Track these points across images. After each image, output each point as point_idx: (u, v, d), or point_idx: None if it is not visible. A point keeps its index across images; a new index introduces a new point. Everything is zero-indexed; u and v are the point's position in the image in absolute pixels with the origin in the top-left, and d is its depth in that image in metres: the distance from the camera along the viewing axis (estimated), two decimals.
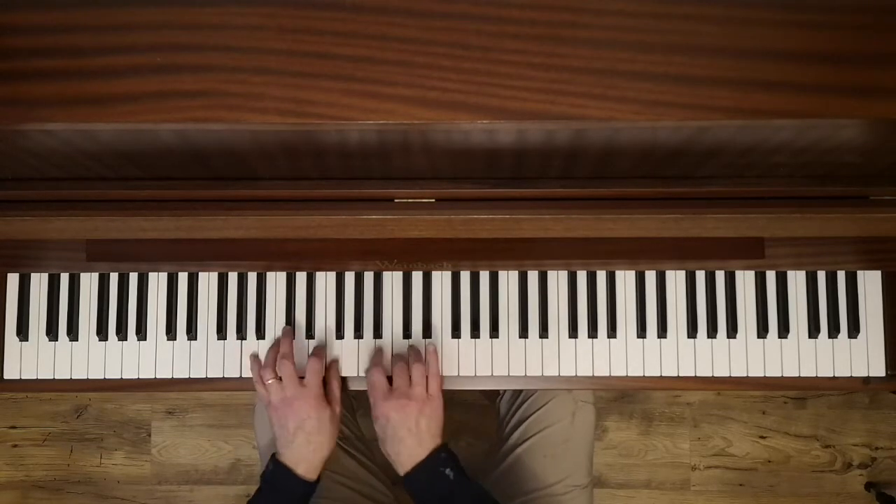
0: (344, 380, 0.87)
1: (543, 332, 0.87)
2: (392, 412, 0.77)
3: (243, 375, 0.87)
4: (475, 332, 0.87)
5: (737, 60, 0.54)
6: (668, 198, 0.75)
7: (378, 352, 0.86)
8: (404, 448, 0.76)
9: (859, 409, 1.50)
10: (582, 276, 0.87)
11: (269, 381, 0.80)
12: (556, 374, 0.86)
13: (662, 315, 0.87)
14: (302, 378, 0.80)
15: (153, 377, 0.87)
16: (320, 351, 0.85)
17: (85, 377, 0.87)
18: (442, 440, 0.78)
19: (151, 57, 0.54)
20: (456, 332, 0.87)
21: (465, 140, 0.60)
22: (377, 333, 0.87)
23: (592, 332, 0.87)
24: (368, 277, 0.88)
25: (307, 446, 0.77)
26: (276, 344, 0.85)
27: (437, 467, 0.76)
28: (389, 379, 0.82)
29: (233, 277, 0.88)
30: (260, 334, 0.87)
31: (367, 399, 0.82)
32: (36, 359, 0.87)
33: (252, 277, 0.88)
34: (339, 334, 0.87)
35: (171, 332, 0.87)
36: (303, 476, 0.76)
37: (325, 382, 0.83)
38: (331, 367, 0.85)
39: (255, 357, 0.86)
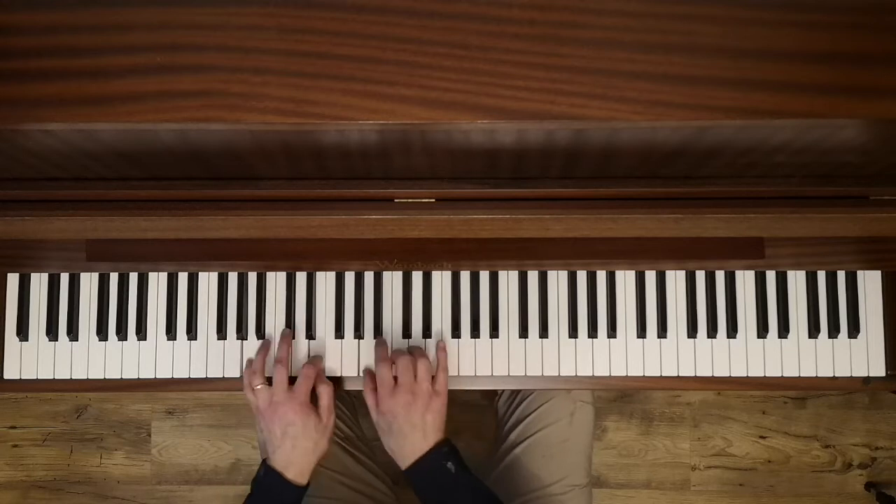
0: (339, 381, 0.86)
1: (543, 332, 0.87)
2: (399, 408, 0.77)
3: (243, 375, 0.87)
4: (475, 332, 0.87)
5: (737, 60, 0.54)
6: (668, 198, 0.75)
7: (382, 346, 0.85)
8: (407, 442, 0.77)
9: (859, 409, 1.50)
10: (582, 276, 0.87)
11: (258, 387, 0.80)
12: (556, 374, 0.87)
13: (662, 315, 0.87)
14: (293, 383, 0.80)
15: (153, 377, 0.87)
16: (317, 360, 0.85)
17: (85, 377, 0.87)
18: (444, 434, 0.79)
19: (151, 57, 0.54)
20: (456, 332, 0.87)
21: (465, 140, 0.60)
22: (377, 333, 0.87)
23: (592, 332, 0.87)
24: (368, 277, 0.88)
25: (293, 451, 0.77)
26: (264, 348, 0.85)
27: (439, 461, 0.76)
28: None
29: (233, 277, 0.88)
30: (260, 334, 0.87)
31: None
32: (36, 359, 0.87)
33: (252, 277, 0.88)
34: (339, 334, 0.87)
35: (171, 332, 0.87)
36: (292, 480, 0.77)
37: (316, 392, 0.82)
38: (322, 377, 0.84)
39: (249, 362, 0.85)
